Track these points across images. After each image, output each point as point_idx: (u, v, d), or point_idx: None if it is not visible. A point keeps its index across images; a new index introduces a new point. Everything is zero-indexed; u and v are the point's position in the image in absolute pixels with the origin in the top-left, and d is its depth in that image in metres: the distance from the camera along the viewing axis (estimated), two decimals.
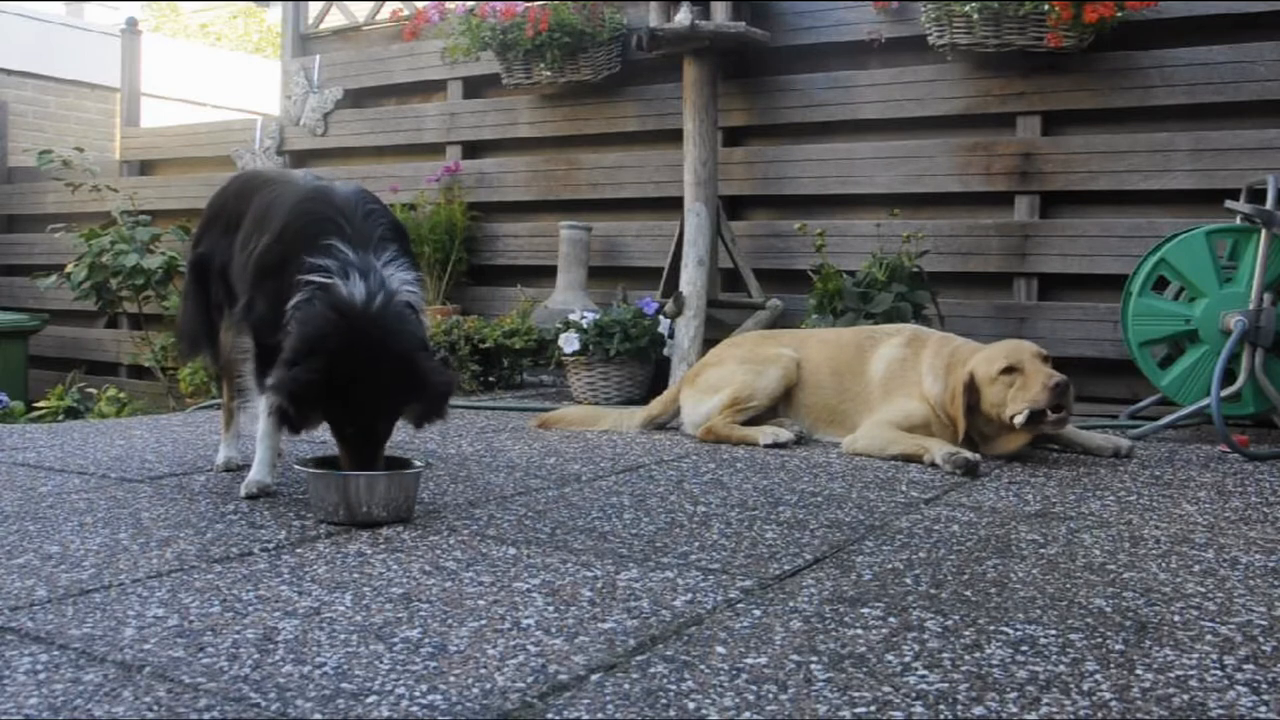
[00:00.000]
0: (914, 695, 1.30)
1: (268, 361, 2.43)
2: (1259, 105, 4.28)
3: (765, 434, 3.37)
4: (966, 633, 1.54)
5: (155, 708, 1.23)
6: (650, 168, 5.53)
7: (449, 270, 5.77)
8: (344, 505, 2.17)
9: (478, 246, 6.02)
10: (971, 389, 3.10)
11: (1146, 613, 1.66)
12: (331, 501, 2.18)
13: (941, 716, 1.24)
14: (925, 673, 1.38)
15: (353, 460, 2.22)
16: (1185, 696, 1.31)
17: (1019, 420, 3.01)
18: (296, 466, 2.44)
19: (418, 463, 2.33)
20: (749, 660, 1.41)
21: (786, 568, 1.89)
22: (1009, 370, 3.05)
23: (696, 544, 2.05)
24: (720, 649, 1.45)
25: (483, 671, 1.35)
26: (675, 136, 5.12)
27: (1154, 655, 1.46)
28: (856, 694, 1.30)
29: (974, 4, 4.40)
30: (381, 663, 1.38)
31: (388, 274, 2.22)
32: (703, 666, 1.38)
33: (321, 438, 3.45)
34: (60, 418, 5.93)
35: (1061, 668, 1.40)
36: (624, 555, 1.96)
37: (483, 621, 1.55)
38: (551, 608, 1.62)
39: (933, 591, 1.76)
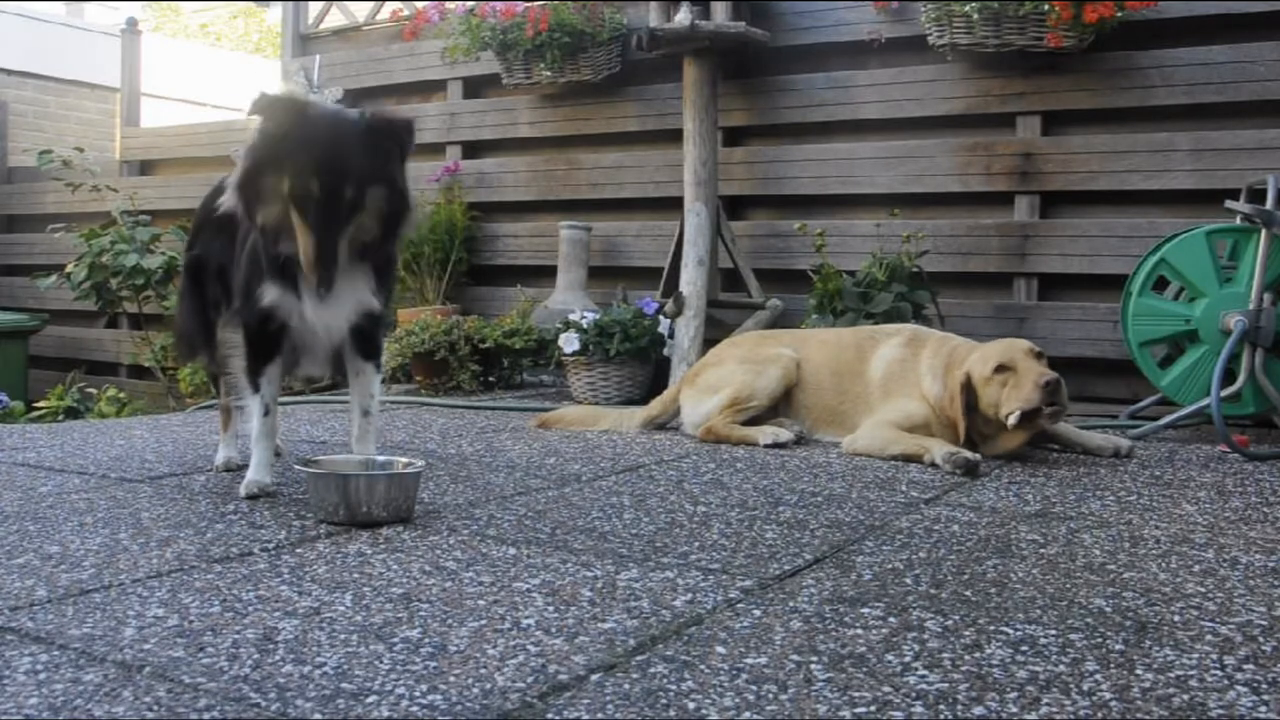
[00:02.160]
0: (914, 695, 1.30)
1: (257, 357, 2.45)
2: (1259, 105, 4.28)
3: (765, 434, 3.37)
4: (966, 633, 1.54)
5: (155, 708, 1.23)
6: (650, 168, 5.53)
7: (449, 270, 5.77)
8: (344, 505, 2.17)
9: (478, 246, 6.02)
10: (969, 389, 3.10)
11: (1146, 613, 1.66)
12: (331, 501, 2.18)
13: (941, 716, 1.24)
14: (925, 673, 1.38)
15: (314, 229, 2.18)
16: (1185, 696, 1.31)
17: (1012, 420, 3.01)
18: (297, 467, 2.44)
19: (418, 463, 2.33)
20: (749, 660, 1.41)
21: (786, 568, 1.89)
22: (1002, 369, 3.05)
23: (696, 544, 2.05)
24: (720, 649, 1.45)
25: (483, 671, 1.35)
26: (675, 136, 5.12)
27: (1154, 655, 1.46)
28: (856, 694, 1.30)
29: (974, 4, 4.40)
30: (381, 663, 1.38)
31: None
32: (703, 666, 1.38)
33: (321, 437, 3.45)
34: (60, 418, 5.94)
35: (1061, 668, 1.40)
36: (624, 555, 1.96)
37: (483, 621, 1.55)
38: (551, 608, 1.62)
39: (933, 591, 1.76)
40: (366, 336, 2.49)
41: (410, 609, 1.61)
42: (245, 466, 2.58)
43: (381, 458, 2.38)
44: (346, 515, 2.17)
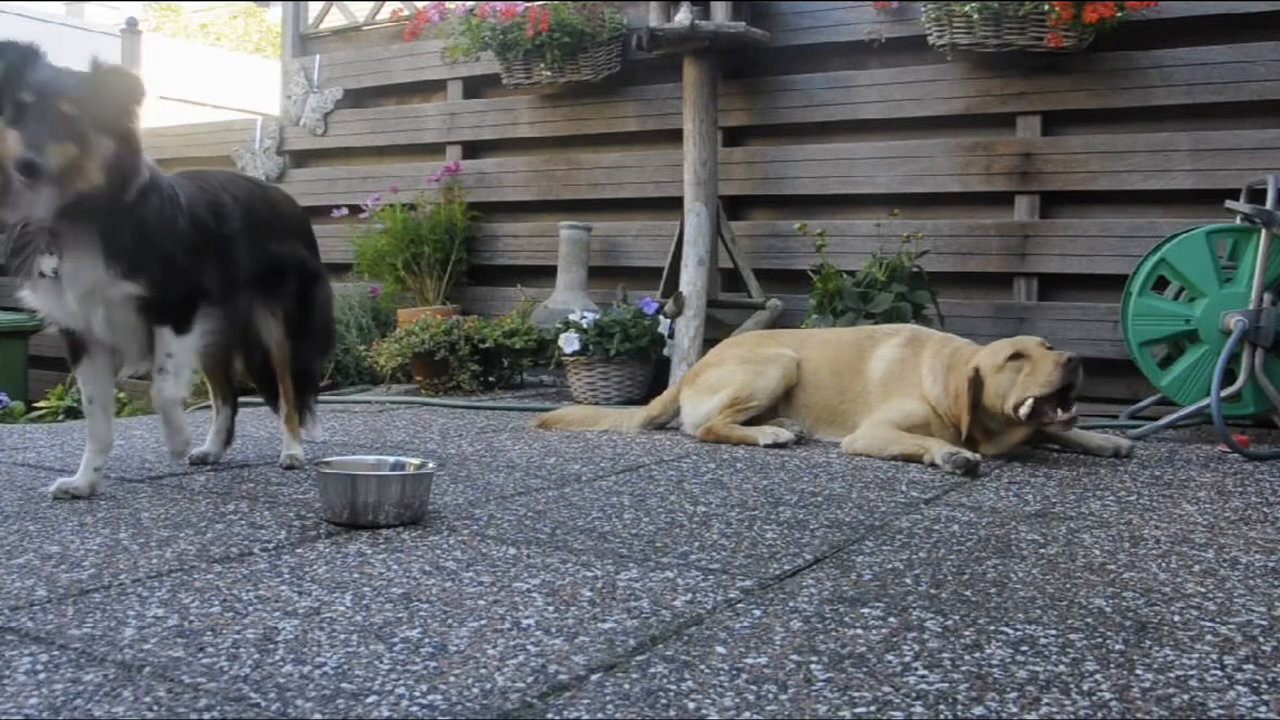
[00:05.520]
0: (914, 695, 1.30)
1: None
2: (1259, 105, 4.28)
3: (765, 434, 3.37)
4: (966, 633, 1.54)
5: (155, 708, 1.23)
6: (650, 168, 5.53)
7: (449, 270, 5.77)
8: (349, 508, 2.16)
9: (478, 246, 6.02)
10: (976, 384, 3.09)
11: (1146, 613, 1.66)
12: (340, 504, 2.17)
13: (941, 716, 1.24)
14: (925, 673, 1.38)
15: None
16: (1185, 696, 1.31)
17: (1025, 410, 2.99)
18: (309, 467, 2.46)
19: (430, 465, 2.32)
20: (749, 660, 1.41)
21: (786, 568, 1.89)
22: (1015, 357, 3.04)
23: (696, 544, 2.05)
24: (720, 649, 1.45)
25: (483, 671, 1.35)
26: (675, 136, 5.12)
27: (1154, 655, 1.46)
28: (856, 694, 1.30)
29: (974, 4, 4.40)
30: (381, 663, 1.38)
31: None
32: (703, 666, 1.38)
33: (321, 437, 3.45)
34: (60, 418, 5.93)
35: (1061, 668, 1.40)
36: (624, 555, 1.96)
37: (483, 621, 1.55)
38: (551, 608, 1.62)
39: (933, 591, 1.76)
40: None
41: (410, 609, 1.61)
42: (211, 463, 2.67)
43: (392, 459, 2.37)
44: (350, 517, 2.16)
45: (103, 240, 2.30)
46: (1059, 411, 3.00)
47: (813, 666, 1.39)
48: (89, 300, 2.34)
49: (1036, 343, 3.09)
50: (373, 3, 6.87)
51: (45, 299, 2.35)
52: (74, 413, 6.02)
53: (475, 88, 6.23)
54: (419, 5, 6.32)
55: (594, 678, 1.34)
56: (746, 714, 1.24)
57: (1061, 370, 2.94)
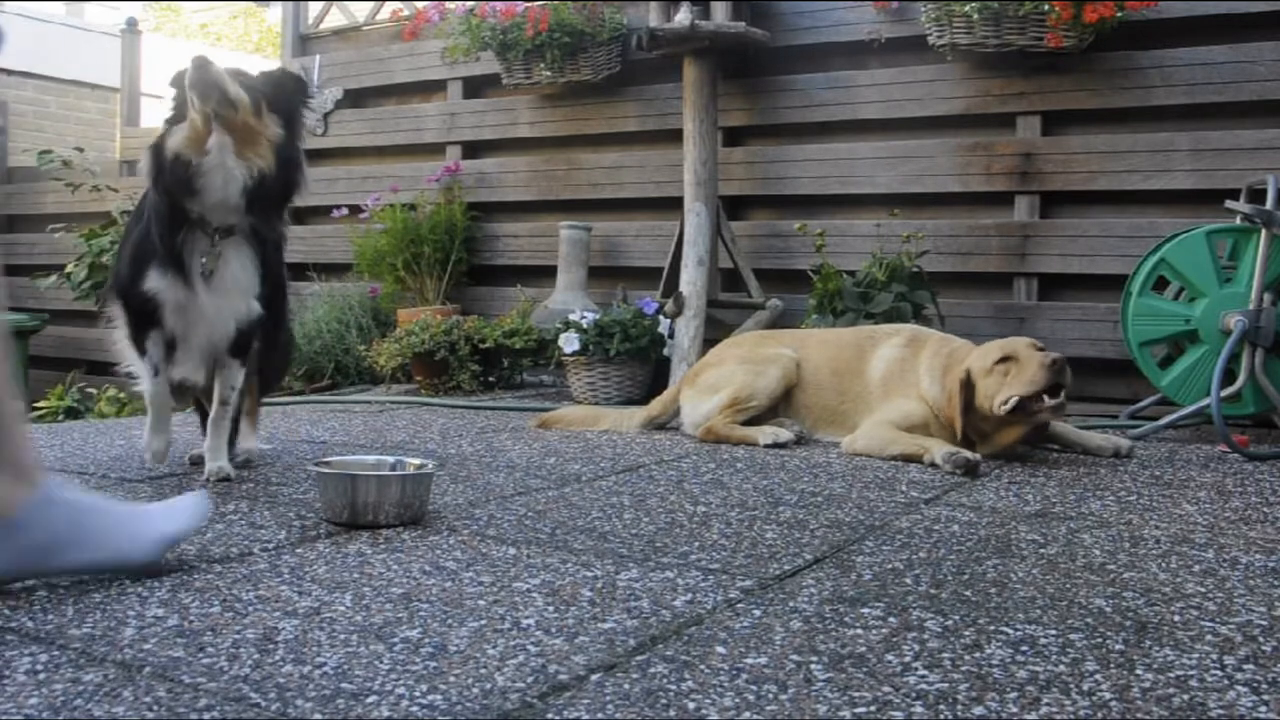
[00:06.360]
0: (914, 695, 1.30)
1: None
2: (1259, 105, 4.28)
3: (765, 434, 3.37)
4: (966, 633, 1.54)
5: (155, 708, 1.23)
6: (650, 168, 5.53)
7: (449, 270, 5.77)
8: (349, 508, 2.16)
9: (478, 246, 6.02)
10: (968, 387, 3.09)
11: (1146, 613, 1.66)
12: (340, 504, 2.17)
13: (941, 716, 1.24)
14: (925, 673, 1.38)
15: None
16: (1185, 696, 1.31)
17: (1006, 407, 2.98)
18: (310, 467, 2.46)
19: (430, 465, 2.32)
20: (749, 660, 1.41)
21: (786, 568, 1.89)
22: (1005, 360, 3.04)
23: (696, 544, 2.05)
24: (720, 649, 1.45)
25: (483, 671, 1.35)
26: (675, 136, 5.12)
27: (1154, 655, 1.46)
28: (856, 694, 1.30)
29: (974, 4, 4.40)
30: (381, 663, 1.38)
31: None
32: (703, 666, 1.38)
33: (321, 437, 3.45)
34: (60, 418, 5.94)
35: (1061, 668, 1.40)
36: (624, 555, 1.96)
37: (483, 621, 1.55)
38: (551, 608, 1.62)
39: (933, 591, 1.76)
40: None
41: (410, 609, 1.61)
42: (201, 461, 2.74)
43: (392, 459, 2.37)
44: (350, 517, 2.16)
45: (256, 251, 2.51)
46: (1045, 399, 2.97)
47: (813, 666, 1.39)
48: (221, 317, 2.53)
49: (1027, 344, 3.08)
50: (373, 3, 6.87)
51: (177, 291, 2.49)
52: (74, 413, 6.03)
53: (475, 88, 6.22)
54: (419, 5, 6.32)
55: (594, 678, 1.34)
56: (746, 714, 1.24)
57: (1047, 371, 2.93)
